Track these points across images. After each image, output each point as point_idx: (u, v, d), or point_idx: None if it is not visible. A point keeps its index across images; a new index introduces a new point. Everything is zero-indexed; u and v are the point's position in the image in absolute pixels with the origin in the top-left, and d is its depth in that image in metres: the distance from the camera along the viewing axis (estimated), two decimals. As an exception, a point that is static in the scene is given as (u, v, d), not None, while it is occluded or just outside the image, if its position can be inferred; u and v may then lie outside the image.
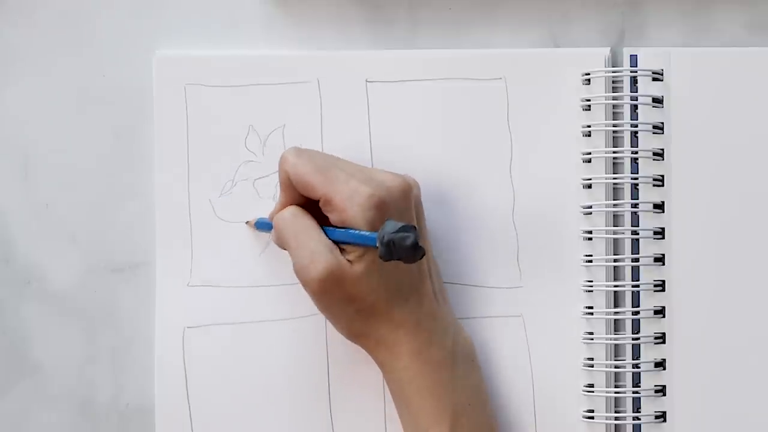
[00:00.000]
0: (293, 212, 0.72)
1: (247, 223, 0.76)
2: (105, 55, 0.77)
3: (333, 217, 0.70)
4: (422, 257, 0.65)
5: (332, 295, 0.70)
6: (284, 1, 0.77)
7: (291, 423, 0.76)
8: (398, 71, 0.76)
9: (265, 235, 0.76)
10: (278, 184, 0.73)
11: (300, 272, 0.70)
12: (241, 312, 0.76)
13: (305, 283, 0.70)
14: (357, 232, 0.69)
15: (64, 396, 0.77)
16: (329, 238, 0.70)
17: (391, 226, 0.65)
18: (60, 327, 0.77)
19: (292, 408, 0.76)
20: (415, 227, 0.66)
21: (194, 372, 0.76)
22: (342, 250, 0.70)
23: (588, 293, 0.75)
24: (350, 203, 0.69)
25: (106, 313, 0.77)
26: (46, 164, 0.77)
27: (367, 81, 0.76)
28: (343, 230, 0.70)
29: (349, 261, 0.69)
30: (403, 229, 0.65)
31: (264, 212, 0.75)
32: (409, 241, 0.65)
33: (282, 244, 0.72)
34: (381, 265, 0.69)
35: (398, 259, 0.65)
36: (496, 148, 0.76)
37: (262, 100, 0.76)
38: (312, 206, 0.71)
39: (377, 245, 0.66)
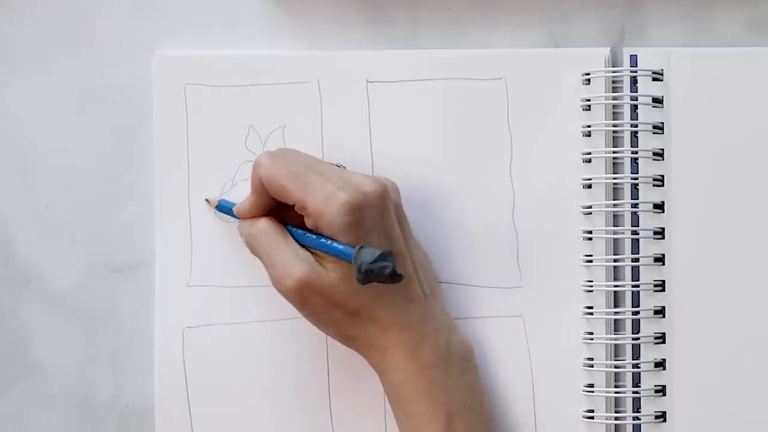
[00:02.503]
0: (263, 228, 0.71)
1: (207, 201, 0.76)
2: (105, 55, 0.77)
3: (308, 222, 0.70)
4: (401, 281, 0.66)
5: (313, 303, 0.70)
6: (284, 1, 0.77)
7: (291, 423, 0.76)
8: (398, 71, 0.76)
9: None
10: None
11: (276, 286, 0.70)
12: (241, 312, 0.76)
13: (283, 295, 0.70)
14: (331, 243, 0.69)
15: (64, 396, 0.77)
16: (303, 244, 0.70)
17: (368, 254, 0.66)
18: (60, 327, 0.77)
19: (292, 408, 0.76)
20: (392, 253, 0.66)
21: (194, 372, 0.76)
22: (318, 255, 0.70)
23: (588, 293, 0.75)
24: (325, 208, 0.69)
25: (106, 313, 0.77)
26: (46, 164, 0.77)
27: (367, 81, 0.76)
28: (317, 238, 0.69)
29: (325, 267, 0.69)
30: (380, 257, 0.66)
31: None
32: (387, 271, 0.66)
33: (255, 256, 0.72)
34: None
35: (378, 282, 0.66)
36: (496, 148, 0.76)
37: (262, 100, 0.76)
38: (286, 206, 0.71)
39: (354, 272, 0.66)
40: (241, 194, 0.76)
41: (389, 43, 0.77)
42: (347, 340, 0.72)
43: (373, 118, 0.76)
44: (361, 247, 0.66)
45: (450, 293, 0.76)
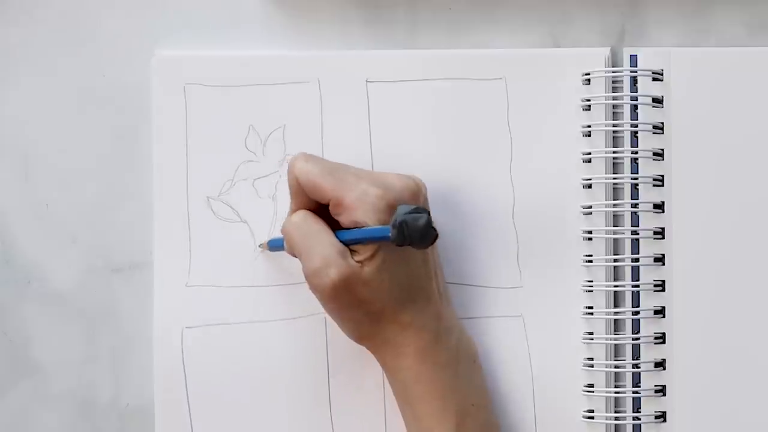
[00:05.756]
0: (303, 216, 0.71)
1: (260, 246, 0.76)
2: (105, 55, 0.77)
3: (343, 219, 0.70)
4: (435, 240, 0.65)
5: (343, 300, 0.70)
6: (284, 1, 0.77)
7: (291, 423, 0.76)
8: (398, 71, 0.76)
9: (264, 235, 0.76)
10: (278, 184, 0.73)
11: (311, 277, 0.70)
12: (241, 312, 0.76)
13: (316, 288, 0.70)
14: (368, 228, 0.68)
15: (64, 396, 0.77)
16: (340, 241, 0.70)
17: (403, 208, 0.65)
18: (60, 327, 0.77)
19: (292, 408, 0.76)
20: (428, 210, 0.65)
21: (194, 372, 0.76)
22: (351, 253, 0.70)
23: (588, 293, 0.75)
24: (361, 204, 0.69)
25: (106, 313, 0.77)
26: (46, 164, 0.77)
27: (367, 81, 0.76)
28: (353, 230, 0.69)
29: (359, 263, 0.69)
30: (415, 210, 0.65)
31: (263, 212, 0.75)
32: (421, 222, 0.65)
33: (292, 249, 0.71)
34: (390, 265, 0.69)
35: (411, 244, 0.65)
36: (496, 148, 0.76)
37: (262, 100, 0.76)
38: (322, 213, 0.71)
39: (389, 232, 0.65)
40: (241, 194, 0.76)
41: (389, 43, 0.77)
42: (362, 338, 0.72)
43: (372, 118, 0.76)
44: (398, 207, 0.66)
45: (451, 293, 0.75)
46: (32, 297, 0.77)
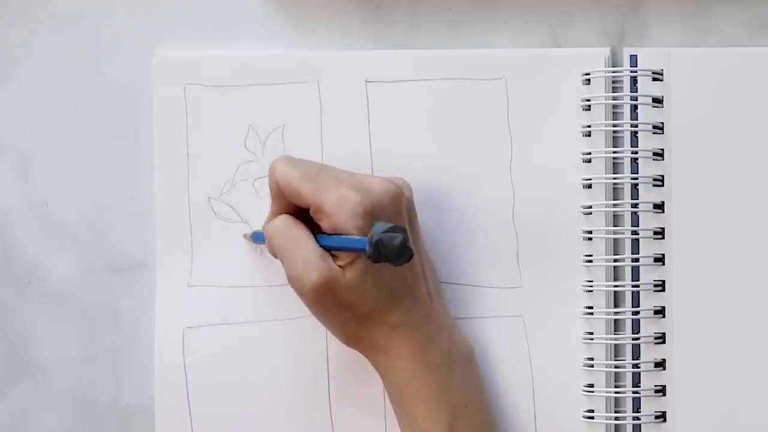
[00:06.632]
0: (284, 221, 0.71)
1: (244, 235, 0.76)
2: (105, 55, 0.77)
3: (324, 224, 0.70)
4: (410, 259, 0.65)
5: (326, 303, 0.70)
6: (284, 1, 0.77)
7: (291, 423, 0.76)
8: (398, 71, 0.76)
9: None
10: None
11: (293, 282, 0.70)
12: (241, 312, 0.76)
13: (299, 292, 0.70)
14: (347, 237, 0.68)
15: (64, 396, 0.77)
16: (321, 245, 0.70)
17: (380, 226, 0.65)
18: (60, 327, 0.77)
19: (292, 408, 0.76)
20: (404, 229, 0.66)
21: (194, 372, 0.76)
22: (334, 257, 0.70)
23: (588, 293, 0.75)
24: (340, 209, 0.69)
25: (106, 313, 0.77)
26: (46, 164, 0.77)
27: (366, 81, 0.76)
28: (333, 236, 0.69)
29: (341, 267, 0.69)
30: (392, 229, 0.65)
31: (263, 212, 0.75)
32: (397, 241, 0.65)
33: (274, 253, 0.72)
34: (373, 269, 0.69)
35: (386, 261, 0.65)
36: (496, 148, 0.76)
37: (261, 100, 0.76)
38: (303, 215, 0.71)
39: (367, 248, 0.66)
40: (241, 194, 0.76)
41: (389, 43, 0.77)
42: (352, 341, 0.72)
43: (372, 118, 0.76)
44: (375, 224, 0.66)
45: (450, 293, 0.76)
46: (32, 297, 0.77)
